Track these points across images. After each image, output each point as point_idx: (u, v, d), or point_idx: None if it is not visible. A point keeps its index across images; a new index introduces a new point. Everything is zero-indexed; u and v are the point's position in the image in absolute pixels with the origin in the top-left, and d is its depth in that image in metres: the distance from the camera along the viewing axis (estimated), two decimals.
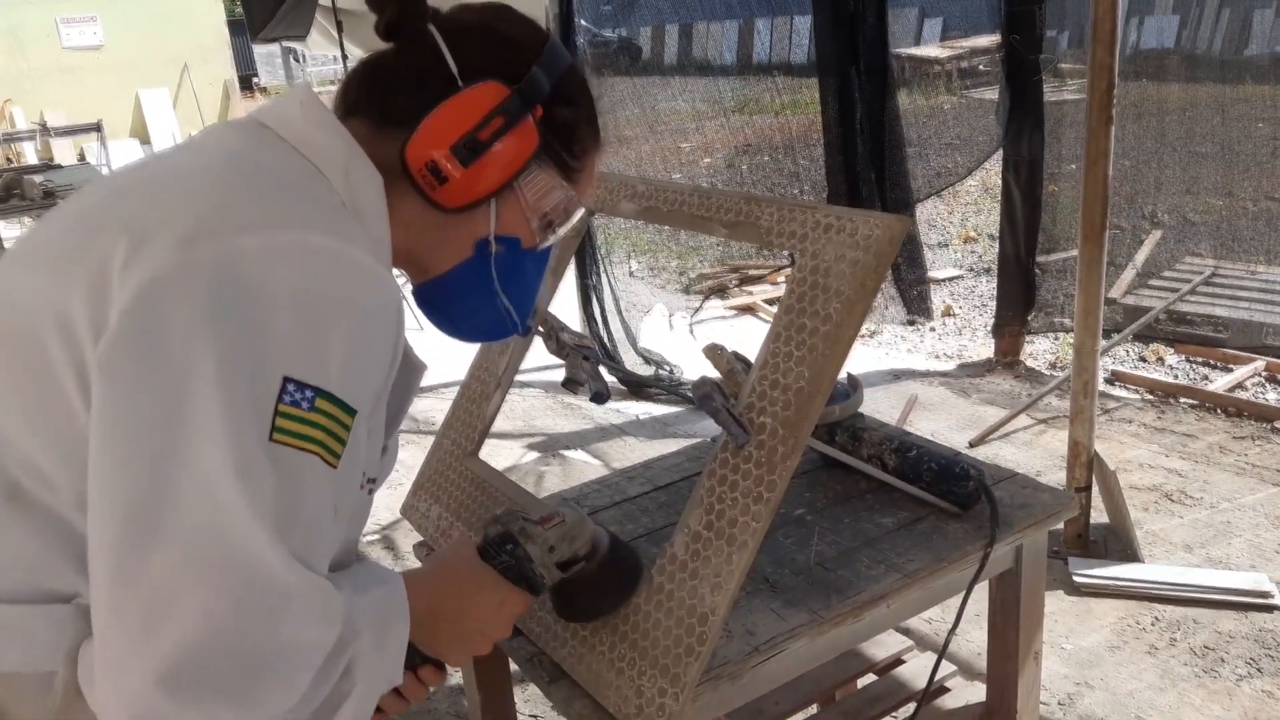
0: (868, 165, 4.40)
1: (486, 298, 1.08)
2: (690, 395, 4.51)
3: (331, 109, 1.02)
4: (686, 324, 5.77)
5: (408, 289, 1.11)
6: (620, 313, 5.14)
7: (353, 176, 0.96)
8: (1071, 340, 3.11)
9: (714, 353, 1.33)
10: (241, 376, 0.79)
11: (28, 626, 0.87)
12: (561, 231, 1.09)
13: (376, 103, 1.00)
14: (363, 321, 0.87)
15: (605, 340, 5.02)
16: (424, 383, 1.19)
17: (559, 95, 1.03)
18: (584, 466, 4.05)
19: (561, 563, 1.16)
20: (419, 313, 1.12)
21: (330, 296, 0.84)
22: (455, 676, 2.72)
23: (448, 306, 1.10)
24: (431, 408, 4.55)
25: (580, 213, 1.10)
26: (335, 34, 5.89)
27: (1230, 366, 4.45)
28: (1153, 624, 2.76)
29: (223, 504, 0.77)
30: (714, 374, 1.32)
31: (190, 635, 0.75)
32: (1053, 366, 4.74)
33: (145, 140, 14.33)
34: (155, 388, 0.79)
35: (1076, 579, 2.93)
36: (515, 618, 1.13)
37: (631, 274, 6.35)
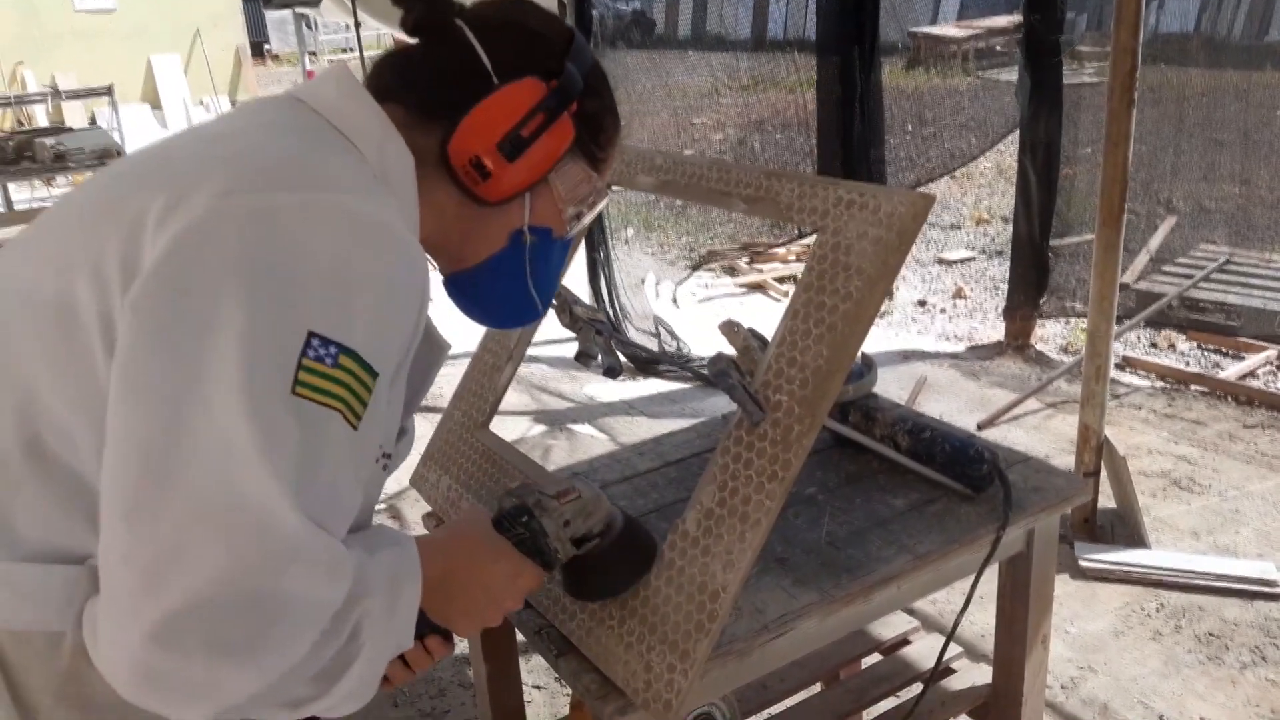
0: (859, 145, 4.35)
1: (518, 286, 1.11)
2: (699, 372, 4.48)
3: None
4: (672, 293, 5.77)
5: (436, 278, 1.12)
6: (627, 288, 5.13)
7: (386, 153, 0.97)
8: (1083, 324, 3.09)
9: (731, 329, 1.32)
10: (266, 327, 0.80)
11: (40, 586, 0.87)
12: (588, 219, 1.13)
13: (413, 93, 1.02)
14: (390, 286, 0.88)
15: (613, 315, 5.01)
16: None
17: (587, 88, 1.05)
18: (591, 441, 4.05)
19: (576, 539, 1.15)
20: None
21: (360, 259, 0.85)
22: (461, 646, 2.73)
23: (480, 295, 1.12)
24: (442, 380, 4.54)
25: (605, 200, 1.14)
26: (349, 2, 5.86)
27: (1242, 354, 4.42)
28: (1158, 610, 2.75)
29: (236, 452, 0.76)
30: (730, 350, 1.32)
31: (194, 588, 0.74)
32: (1063, 351, 4.72)
33: (156, 105, 14.27)
34: (178, 333, 0.79)
35: (1082, 563, 2.93)
36: (527, 590, 1.12)
37: (627, 242, 6.32)
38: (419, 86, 1.02)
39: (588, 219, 1.13)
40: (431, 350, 1.12)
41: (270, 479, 0.77)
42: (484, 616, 1.10)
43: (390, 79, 1.04)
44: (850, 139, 4.35)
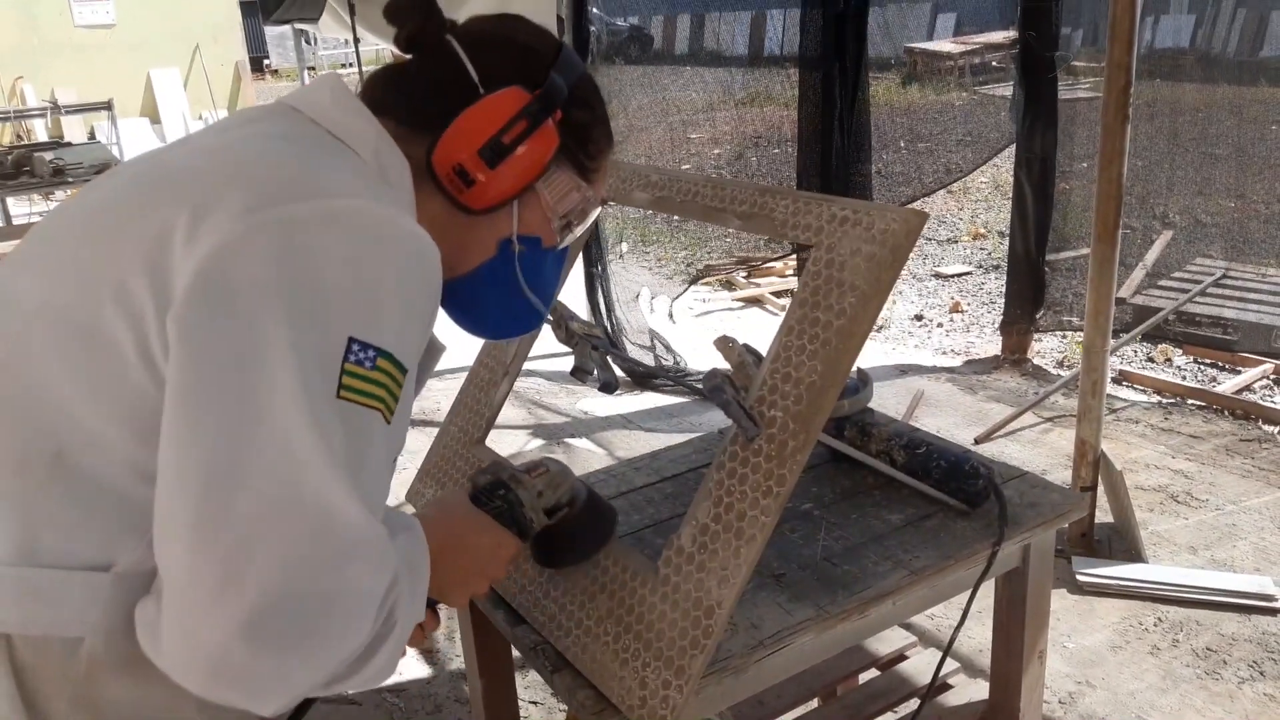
0: (841, 162, 4.31)
1: (509, 296, 1.12)
2: (695, 387, 4.47)
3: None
4: (668, 308, 5.78)
5: None
6: (624, 303, 5.14)
7: (382, 156, 1.00)
8: (1079, 339, 3.10)
9: (725, 345, 1.32)
10: (310, 337, 0.82)
11: (60, 592, 0.87)
12: (579, 230, 1.14)
13: (404, 106, 1.04)
14: (409, 282, 0.90)
15: (609, 329, 5.02)
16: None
17: (575, 99, 1.07)
18: (589, 455, 4.05)
19: (548, 509, 1.22)
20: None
21: (380, 259, 0.88)
22: (457, 662, 2.73)
23: (471, 304, 1.13)
24: (439, 394, 4.54)
25: (596, 211, 1.15)
26: (347, 18, 5.88)
27: (1238, 369, 4.43)
28: (1155, 625, 2.75)
29: (301, 458, 0.79)
30: (725, 366, 1.32)
31: (269, 586, 0.77)
32: (1060, 365, 4.73)
33: (155, 120, 14.31)
34: (229, 349, 0.81)
35: (1080, 578, 2.92)
36: (508, 560, 1.17)
37: (622, 257, 6.34)
38: (410, 99, 1.04)
39: (579, 230, 1.14)
40: (428, 352, 1.14)
41: (333, 479, 0.80)
42: (473, 587, 1.15)
43: (382, 93, 1.06)
44: (829, 155, 4.32)
